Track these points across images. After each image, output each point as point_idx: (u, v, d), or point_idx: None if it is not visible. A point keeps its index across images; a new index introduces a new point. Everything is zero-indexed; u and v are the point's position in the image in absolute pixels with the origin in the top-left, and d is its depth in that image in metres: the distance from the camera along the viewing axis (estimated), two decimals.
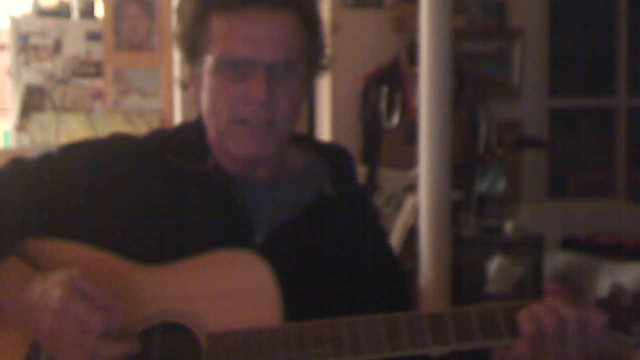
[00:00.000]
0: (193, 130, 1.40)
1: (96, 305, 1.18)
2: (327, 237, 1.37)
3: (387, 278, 1.42)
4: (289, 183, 1.39)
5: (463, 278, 3.79)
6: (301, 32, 1.32)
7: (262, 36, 1.28)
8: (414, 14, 3.84)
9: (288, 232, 1.34)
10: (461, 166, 4.09)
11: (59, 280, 1.20)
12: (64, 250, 1.30)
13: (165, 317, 1.25)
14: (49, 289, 1.19)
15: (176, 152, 1.36)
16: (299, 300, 1.26)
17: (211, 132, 1.35)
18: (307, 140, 1.49)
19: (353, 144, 4.36)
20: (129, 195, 1.34)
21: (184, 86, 1.40)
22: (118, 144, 1.40)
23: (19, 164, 1.39)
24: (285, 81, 1.30)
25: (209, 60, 1.31)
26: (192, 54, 1.34)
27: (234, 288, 1.24)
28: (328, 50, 1.40)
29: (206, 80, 1.32)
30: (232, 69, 1.29)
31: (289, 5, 1.30)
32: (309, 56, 1.34)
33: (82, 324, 1.17)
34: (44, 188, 1.35)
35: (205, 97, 1.33)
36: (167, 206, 1.33)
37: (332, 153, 1.45)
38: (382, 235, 1.49)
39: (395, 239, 3.91)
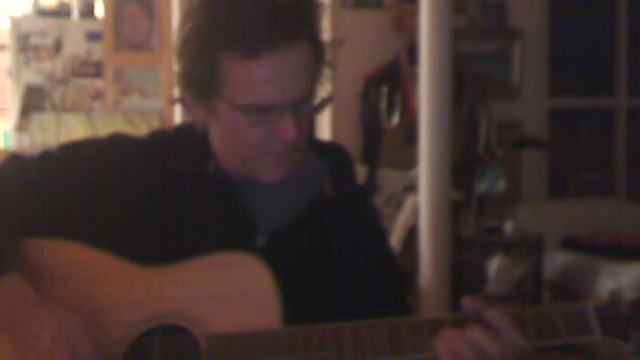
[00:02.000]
0: (193, 132, 1.38)
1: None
2: (327, 238, 1.37)
3: (387, 279, 1.42)
4: (289, 184, 1.39)
5: (463, 278, 3.79)
6: (315, 59, 1.30)
7: (285, 78, 1.24)
8: (414, 14, 3.84)
9: (289, 233, 1.34)
10: (461, 166, 4.10)
11: (55, 324, 1.20)
12: (64, 250, 1.30)
13: (165, 319, 1.25)
14: (45, 326, 1.20)
15: (177, 155, 1.35)
16: (300, 300, 1.26)
17: (234, 160, 1.32)
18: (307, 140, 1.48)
19: (353, 144, 4.36)
20: (129, 197, 1.33)
21: (182, 102, 1.35)
22: (118, 144, 1.40)
23: (16, 161, 1.38)
24: (306, 110, 1.29)
25: (224, 105, 1.26)
26: (202, 93, 1.29)
27: (233, 290, 1.24)
28: (330, 59, 1.37)
29: (224, 120, 1.28)
30: (258, 114, 1.25)
31: (304, 34, 1.26)
32: (320, 76, 1.33)
33: None
34: (44, 187, 1.34)
35: (223, 133, 1.31)
36: (168, 208, 1.33)
37: (332, 153, 1.45)
38: (383, 235, 1.49)
39: (395, 239, 3.91)
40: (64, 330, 1.19)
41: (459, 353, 1.18)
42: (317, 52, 1.30)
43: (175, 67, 1.30)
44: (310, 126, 1.33)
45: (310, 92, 1.29)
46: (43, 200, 1.33)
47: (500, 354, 1.17)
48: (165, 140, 1.39)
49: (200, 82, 1.26)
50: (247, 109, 1.25)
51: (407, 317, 1.23)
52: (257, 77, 1.23)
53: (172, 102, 1.36)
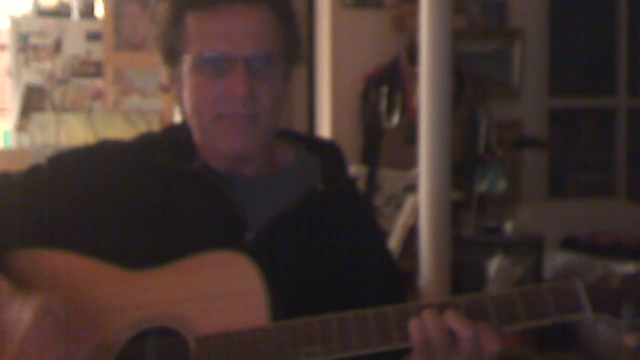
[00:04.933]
0: (180, 131, 1.40)
1: (64, 329, 1.19)
2: (318, 232, 1.37)
3: (380, 272, 1.42)
4: (278, 179, 1.39)
5: (463, 278, 3.79)
6: (276, 25, 1.33)
7: (238, 31, 1.29)
8: (414, 14, 3.84)
9: (279, 227, 1.34)
10: (461, 166, 4.10)
11: (35, 303, 1.20)
12: (52, 259, 1.30)
13: (155, 322, 1.25)
14: (24, 310, 1.19)
15: (164, 153, 1.37)
16: (291, 295, 1.26)
17: (196, 131, 1.36)
18: (297, 136, 1.49)
19: (353, 144, 4.36)
20: (120, 199, 1.34)
21: (165, 89, 1.40)
22: (107, 149, 1.41)
23: (6, 179, 1.39)
24: (265, 74, 1.31)
25: (187, 60, 1.31)
26: (171, 56, 1.35)
27: (221, 290, 1.24)
28: (304, 41, 1.40)
29: (186, 80, 1.32)
30: (211, 66, 1.30)
31: (261, 0, 1.31)
32: (286, 49, 1.35)
33: (48, 351, 1.17)
34: (35, 199, 1.35)
35: (187, 96, 1.34)
36: (158, 207, 1.34)
37: (323, 148, 1.45)
38: (376, 230, 1.48)
39: (395, 239, 3.91)
40: (42, 305, 1.19)
41: (427, 333, 1.17)
42: (282, 23, 1.34)
43: (151, 29, 1.37)
44: (275, 99, 1.33)
45: (268, 56, 1.31)
46: (36, 214, 1.34)
47: (471, 339, 1.16)
48: (152, 141, 1.40)
49: (169, 42, 1.33)
50: (200, 60, 1.29)
51: (393, 305, 1.22)
52: (209, 27, 1.29)
53: (162, 88, 1.42)
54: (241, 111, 1.30)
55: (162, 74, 1.41)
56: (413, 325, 1.18)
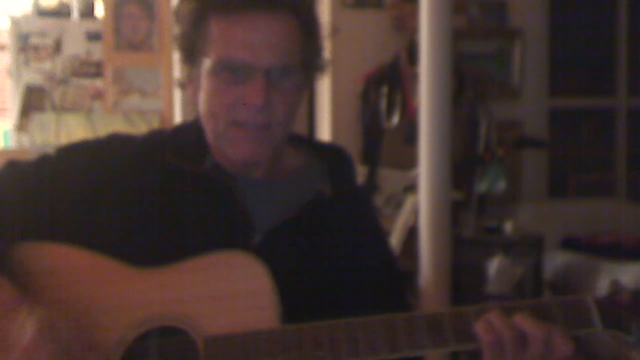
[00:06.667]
0: (192, 130, 1.40)
1: (65, 351, 1.18)
2: (325, 237, 1.37)
3: (385, 278, 1.42)
4: (287, 183, 1.39)
5: (463, 278, 3.79)
6: (298, 36, 1.32)
7: (260, 41, 1.28)
8: (414, 14, 3.84)
9: (286, 231, 1.34)
10: (461, 166, 4.10)
11: (38, 318, 1.19)
12: (59, 254, 1.30)
13: (162, 321, 1.25)
14: (27, 324, 1.19)
15: (175, 152, 1.36)
16: (297, 299, 1.26)
17: (209, 133, 1.36)
18: (306, 140, 1.49)
19: (353, 144, 4.36)
20: (128, 196, 1.34)
21: (182, 86, 1.40)
22: (116, 144, 1.40)
23: (14, 167, 1.39)
24: (282, 85, 1.30)
25: (207, 63, 1.31)
26: (191, 56, 1.34)
27: (230, 290, 1.24)
28: (326, 53, 1.39)
29: (204, 83, 1.32)
30: (230, 72, 1.29)
31: (287, 9, 1.30)
32: (306, 59, 1.34)
33: None
34: (43, 190, 1.34)
35: (203, 98, 1.33)
36: (166, 206, 1.34)
37: (331, 153, 1.46)
38: (381, 235, 1.49)
39: (395, 239, 3.91)
40: (46, 322, 1.18)
41: (498, 333, 1.16)
42: (304, 34, 1.33)
43: (175, 28, 1.37)
44: (290, 110, 1.33)
45: (288, 67, 1.30)
46: (42, 204, 1.33)
47: (542, 340, 1.16)
48: (163, 139, 1.40)
49: (191, 43, 1.33)
50: (220, 65, 1.29)
51: (403, 314, 1.22)
52: (232, 34, 1.29)
53: (179, 85, 1.42)
54: (255, 120, 1.30)
55: (180, 71, 1.40)
56: (480, 327, 1.17)
